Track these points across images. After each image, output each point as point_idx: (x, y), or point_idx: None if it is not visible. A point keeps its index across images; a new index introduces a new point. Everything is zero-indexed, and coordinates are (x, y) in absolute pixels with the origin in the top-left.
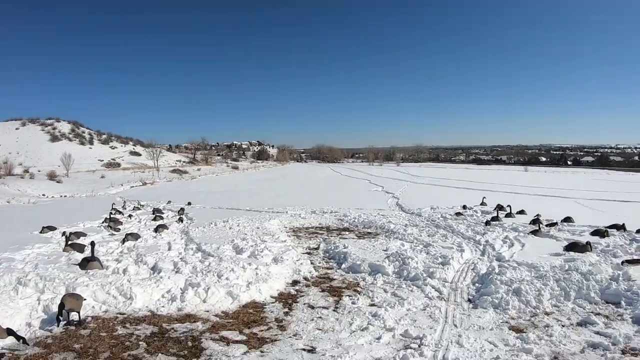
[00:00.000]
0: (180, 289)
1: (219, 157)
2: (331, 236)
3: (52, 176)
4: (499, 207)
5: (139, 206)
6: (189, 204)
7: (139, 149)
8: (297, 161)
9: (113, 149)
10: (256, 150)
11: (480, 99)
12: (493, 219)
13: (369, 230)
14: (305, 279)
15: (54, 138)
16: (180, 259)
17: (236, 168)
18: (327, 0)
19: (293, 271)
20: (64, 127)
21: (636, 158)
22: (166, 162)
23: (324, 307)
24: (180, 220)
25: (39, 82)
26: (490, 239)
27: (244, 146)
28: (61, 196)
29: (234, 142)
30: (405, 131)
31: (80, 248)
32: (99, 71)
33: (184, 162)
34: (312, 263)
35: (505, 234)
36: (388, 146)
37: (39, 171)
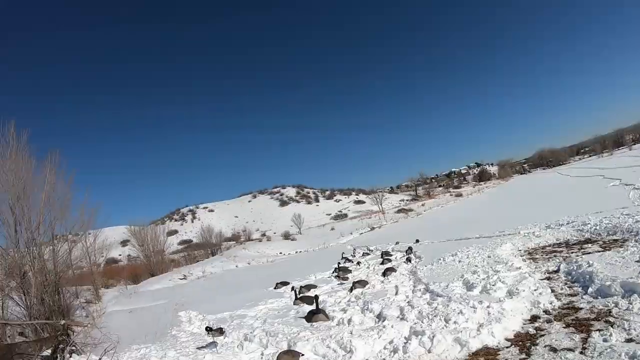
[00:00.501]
0: (404, 338)
1: (440, 188)
2: (571, 252)
3: (286, 236)
4: None
5: (368, 251)
6: (417, 241)
7: (361, 197)
8: (520, 173)
9: (337, 202)
10: (476, 172)
11: None
12: None
13: (614, 238)
14: (546, 312)
15: (283, 203)
16: (407, 302)
17: (459, 195)
18: None
19: (531, 304)
20: (290, 191)
21: None
22: (390, 204)
23: (568, 349)
24: (408, 260)
25: (258, 159)
26: None
27: (463, 171)
28: (296, 252)
29: (452, 170)
30: (628, 107)
31: (309, 300)
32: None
33: (407, 200)
34: (552, 291)
35: None
36: (612, 130)
37: (274, 233)
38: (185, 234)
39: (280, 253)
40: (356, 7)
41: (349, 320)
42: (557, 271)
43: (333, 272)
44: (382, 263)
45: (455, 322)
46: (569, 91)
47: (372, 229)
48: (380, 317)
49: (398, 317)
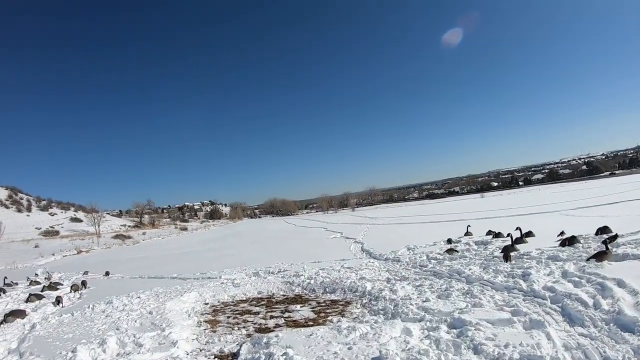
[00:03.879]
0: None
1: (167, 219)
2: (271, 316)
3: None
4: (495, 234)
5: (38, 280)
6: (107, 274)
7: (80, 214)
8: (251, 217)
9: (52, 215)
10: (209, 210)
11: (425, 136)
12: (506, 249)
13: (333, 297)
14: None
15: None
16: None
17: (185, 229)
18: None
19: None
20: (1, 193)
21: (584, 167)
22: (109, 228)
23: None
24: (58, 302)
25: None
26: (556, 285)
27: (196, 207)
28: None
29: (186, 204)
30: (357, 177)
31: None
32: (37, 134)
33: (129, 226)
34: None
35: (555, 270)
36: (341, 193)
37: None
38: None
39: None
40: None
41: None
42: (235, 356)
43: None
44: (27, 300)
45: None
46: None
47: (79, 252)
48: None
49: None
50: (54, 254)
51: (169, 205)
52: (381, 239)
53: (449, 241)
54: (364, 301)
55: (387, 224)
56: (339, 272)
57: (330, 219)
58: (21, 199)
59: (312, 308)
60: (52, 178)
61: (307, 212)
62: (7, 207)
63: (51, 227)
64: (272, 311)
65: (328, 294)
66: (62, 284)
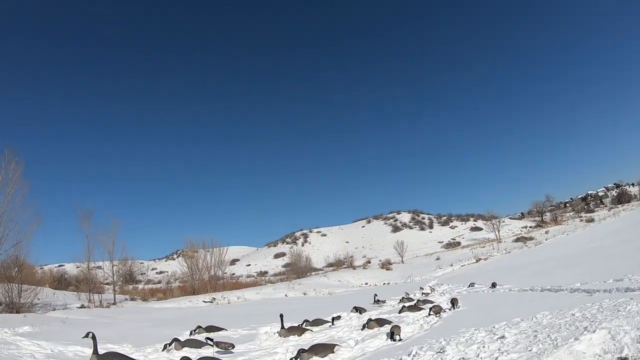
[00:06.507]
0: None
1: (571, 213)
2: None
3: (385, 264)
4: None
5: (411, 297)
6: (494, 285)
7: (479, 223)
8: None
9: (453, 228)
10: (614, 194)
11: None
12: None
13: None
14: None
15: (396, 229)
16: None
17: (591, 220)
18: None
19: None
20: (404, 217)
21: None
22: (509, 232)
23: None
24: (392, 335)
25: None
26: None
27: (600, 194)
28: (384, 284)
29: (589, 193)
30: None
31: None
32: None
33: (530, 227)
34: None
35: None
36: None
37: (380, 261)
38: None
39: (366, 284)
40: None
41: None
42: None
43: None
44: (363, 328)
45: None
46: None
47: (478, 260)
48: None
49: None
50: (452, 265)
51: (571, 198)
52: None
53: None
54: None
55: None
56: None
57: None
58: (423, 218)
59: None
60: (453, 197)
61: None
62: (410, 228)
63: (452, 239)
64: None
65: None
66: (431, 302)
